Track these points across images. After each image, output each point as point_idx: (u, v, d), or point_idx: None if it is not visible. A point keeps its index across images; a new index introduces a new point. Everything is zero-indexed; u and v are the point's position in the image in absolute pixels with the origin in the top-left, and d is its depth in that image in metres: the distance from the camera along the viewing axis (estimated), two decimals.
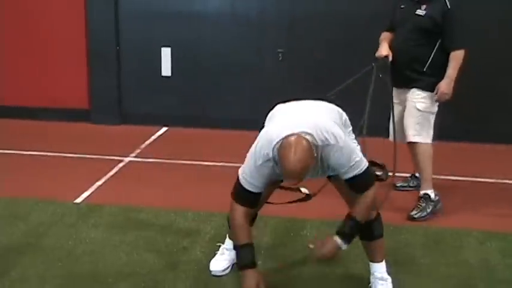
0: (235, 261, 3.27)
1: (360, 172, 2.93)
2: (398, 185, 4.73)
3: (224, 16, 6.40)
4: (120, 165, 5.39)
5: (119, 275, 3.42)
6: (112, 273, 3.45)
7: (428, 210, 4.26)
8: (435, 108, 4.28)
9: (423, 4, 4.18)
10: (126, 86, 6.70)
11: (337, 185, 3.16)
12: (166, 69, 6.57)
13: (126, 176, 5.16)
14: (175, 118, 6.60)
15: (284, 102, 3.27)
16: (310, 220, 4.13)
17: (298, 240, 3.90)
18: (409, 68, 4.24)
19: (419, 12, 4.18)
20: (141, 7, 6.51)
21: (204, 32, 6.43)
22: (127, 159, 5.55)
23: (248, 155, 3.01)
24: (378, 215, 3.16)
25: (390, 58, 4.23)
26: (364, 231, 3.11)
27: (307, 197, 3.32)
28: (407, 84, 4.27)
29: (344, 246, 2.99)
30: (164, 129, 6.56)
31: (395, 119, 4.39)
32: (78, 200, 4.54)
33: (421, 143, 4.26)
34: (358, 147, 3.14)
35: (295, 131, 2.81)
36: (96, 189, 4.78)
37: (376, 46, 4.33)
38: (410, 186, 4.73)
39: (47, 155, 5.63)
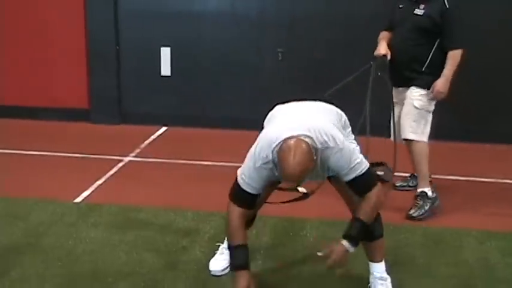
0: None
1: (360, 173, 2.92)
2: (397, 184, 4.74)
3: (224, 16, 6.40)
4: (120, 164, 5.40)
5: (119, 275, 3.42)
6: (112, 272, 3.45)
7: (426, 208, 4.26)
8: (432, 107, 4.28)
9: (422, 4, 4.18)
10: (125, 86, 6.70)
11: (337, 186, 3.16)
12: (165, 69, 6.57)
13: (125, 176, 5.16)
14: (175, 118, 6.60)
15: (284, 102, 3.27)
16: (309, 220, 4.13)
17: (297, 240, 3.90)
18: (408, 67, 4.24)
19: (418, 11, 4.19)
20: (141, 7, 6.50)
21: (203, 32, 6.43)
22: (127, 159, 5.55)
23: (247, 156, 3.00)
24: (378, 215, 3.14)
25: (389, 57, 4.23)
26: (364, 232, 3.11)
27: (305, 195, 3.31)
28: (406, 83, 4.28)
29: (352, 249, 2.97)
30: (164, 128, 6.56)
31: (396, 119, 4.39)
32: (78, 200, 4.54)
33: (416, 141, 4.26)
34: (358, 147, 3.14)
35: (295, 133, 2.81)
36: (95, 189, 4.78)
37: (376, 46, 4.33)
38: (409, 186, 4.73)
39: (46, 155, 5.63)
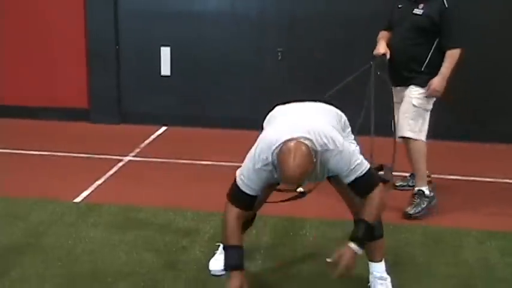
0: None
1: (361, 174, 2.92)
2: (397, 184, 4.74)
3: (224, 16, 6.40)
4: (120, 164, 5.40)
5: (118, 274, 3.42)
6: (111, 272, 3.45)
7: (423, 206, 4.27)
8: (430, 106, 4.28)
9: (421, 3, 4.19)
10: (125, 86, 6.70)
11: (337, 188, 3.15)
12: (165, 69, 6.58)
13: (125, 176, 5.16)
14: (175, 117, 6.60)
15: (284, 102, 3.27)
16: (309, 219, 4.13)
17: (297, 239, 3.90)
18: (407, 67, 4.25)
19: (417, 11, 4.19)
20: (141, 7, 6.51)
21: (203, 32, 6.43)
22: (126, 159, 5.55)
23: (247, 157, 3.00)
24: None
25: (388, 56, 4.24)
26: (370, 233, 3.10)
27: (302, 194, 3.30)
28: (405, 82, 4.28)
29: (360, 252, 2.96)
30: (163, 128, 6.56)
31: (396, 118, 4.39)
32: (78, 199, 4.54)
33: (414, 140, 4.26)
34: (358, 148, 3.14)
35: (295, 135, 2.82)
36: (95, 189, 4.78)
37: (376, 46, 4.33)
38: (409, 186, 4.72)
39: (46, 155, 5.63)
